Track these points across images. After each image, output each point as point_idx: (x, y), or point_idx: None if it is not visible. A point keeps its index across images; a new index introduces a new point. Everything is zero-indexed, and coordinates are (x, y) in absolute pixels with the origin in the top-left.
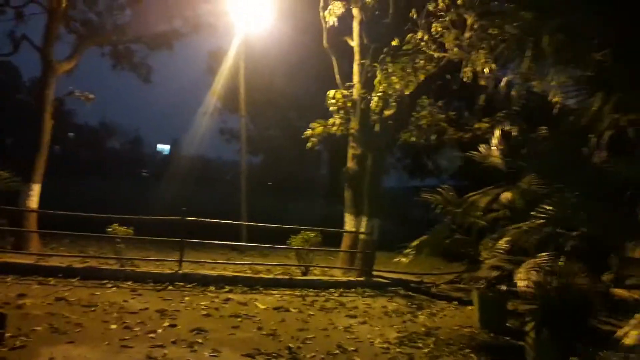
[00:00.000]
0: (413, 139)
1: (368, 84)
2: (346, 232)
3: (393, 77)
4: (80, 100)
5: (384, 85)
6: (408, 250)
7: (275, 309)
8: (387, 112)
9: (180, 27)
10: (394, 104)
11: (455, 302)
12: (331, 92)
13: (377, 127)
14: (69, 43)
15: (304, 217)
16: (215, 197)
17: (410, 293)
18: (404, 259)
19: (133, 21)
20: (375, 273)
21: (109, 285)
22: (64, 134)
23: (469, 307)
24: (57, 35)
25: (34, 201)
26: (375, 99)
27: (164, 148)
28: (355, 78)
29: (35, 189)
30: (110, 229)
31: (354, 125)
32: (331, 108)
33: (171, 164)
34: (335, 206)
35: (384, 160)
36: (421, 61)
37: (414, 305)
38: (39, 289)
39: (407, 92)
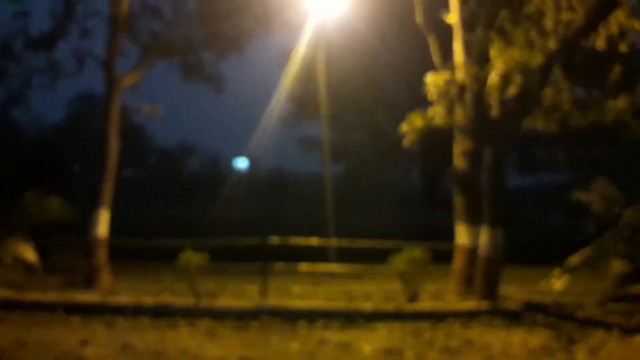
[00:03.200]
0: (540, 125)
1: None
2: (460, 247)
3: (514, 48)
4: (149, 117)
5: (505, 56)
6: (565, 268)
7: (385, 351)
8: (509, 91)
9: (250, 27)
10: (516, 82)
11: (617, 330)
12: (431, 77)
13: (494, 113)
14: (134, 59)
15: (398, 229)
16: (296, 214)
17: (551, 320)
18: (557, 283)
19: (200, 27)
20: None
21: (182, 325)
22: (145, 159)
23: (638, 337)
24: (120, 46)
25: (104, 228)
26: (495, 75)
27: (242, 165)
28: (458, 58)
29: (104, 216)
30: (184, 258)
31: (459, 114)
32: (431, 96)
33: (249, 180)
34: (432, 214)
35: (505, 154)
36: (549, 25)
37: (563, 338)
38: (105, 332)
39: (534, 64)
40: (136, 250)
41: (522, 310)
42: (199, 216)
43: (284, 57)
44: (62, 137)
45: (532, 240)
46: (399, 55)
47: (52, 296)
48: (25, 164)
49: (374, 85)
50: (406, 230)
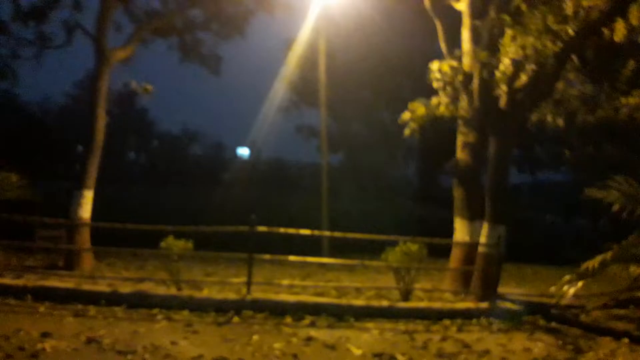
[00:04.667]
0: (550, 119)
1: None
2: (458, 243)
3: (529, 34)
4: (139, 94)
5: (518, 42)
6: (580, 273)
7: (376, 356)
8: (520, 81)
9: (251, 7)
10: (529, 70)
11: (626, 340)
12: (436, 64)
13: (502, 104)
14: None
15: (394, 222)
16: (292, 203)
17: (554, 324)
18: (571, 289)
19: (198, 3)
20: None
21: (159, 317)
22: (147, 143)
23: None
24: (111, 18)
25: (86, 210)
26: (506, 62)
27: (243, 153)
28: (466, 46)
29: (88, 196)
30: (164, 244)
31: (464, 104)
32: (435, 84)
33: (249, 168)
34: (429, 209)
35: (511, 148)
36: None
37: (568, 346)
38: (72, 323)
39: (549, 51)
40: (123, 235)
41: (522, 312)
42: (196, 202)
43: (286, 43)
44: (67, 118)
45: (531, 239)
46: (402, 45)
47: (21, 280)
48: (18, 142)
49: (375, 74)
50: (400, 223)
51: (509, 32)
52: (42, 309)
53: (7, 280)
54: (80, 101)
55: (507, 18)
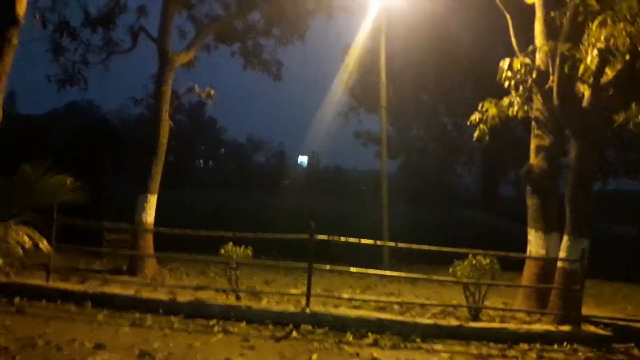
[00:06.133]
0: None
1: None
2: (533, 257)
3: (620, 20)
4: (202, 99)
5: (608, 30)
6: None
7: None
8: (607, 76)
9: (311, 10)
10: (618, 63)
11: None
12: (506, 62)
13: (585, 103)
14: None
15: (454, 232)
16: (350, 210)
17: None
18: None
19: (260, 6)
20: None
21: (216, 329)
22: (216, 150)
23: None
24: (172, 21)
25: (149, 214)
26: (594, 53)
27: (303, 161)
28: (539, 40)
29: (152, 201)
30: (223, 251)
31: (538, 104)
32: (507, 83)
33: (309, 176)
34: (491, 219)
35: (596, 152)
36: None
37: None
38: (128, 334)
39: None
40: (188, 239)
41: (611, 338)
42: (259, 207)
43: (344, 47)
44: (143, 126)
45: (607, 253)
46: (466, 45)
47: (83, 286)
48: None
49: (436, 77)
50: (461, 233)
51: (597, 18)
52: (100, 316)
53: (69, 285)
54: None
55: (593, 2)
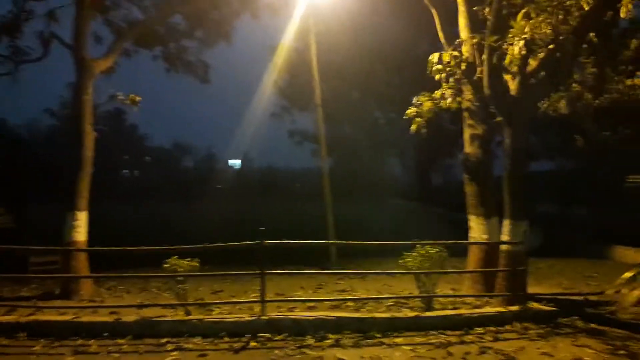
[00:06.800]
0: (562, 107)
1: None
2: (477, 243)
3: (543, 12)
4: (126, 105)
5: (532, 22)
6: None
7: None
8: (531, 65)
9: (235, 11)
10: (542, 52)
11: None
12: (435, 55)
13: (514, 91)
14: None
15: (392, 225)
16: (288, 210)
17: (594, 326)
18: (634, 290)
19: (181, 7)
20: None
21: (169, 348)
22: (140, 159)
23: None
24: (88, 26)
25: (80, 232)
26: (520, 44)
27: (235, 163)
28: (464, 34)
29: (81, 218)
30: (167, 265)
31: (469, 95)
32: (437, 76)
33: (242, 178)
34: (425, 208)
35: (526, 137)
36: None
37: (620, 351)
38: None
39: (567, 29)
40: (123, 255)
41: (556, 313)
42: (192, 215)
43: (272, 48)
44: (56, 139)
45: (536, 230)
46: (393, 41)
47: (13, 316)
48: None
49: (366, 74)
50: (398, 225)
51: (521, 11)
52: (37, 347)
53: None
54: (67, 120)
55: None
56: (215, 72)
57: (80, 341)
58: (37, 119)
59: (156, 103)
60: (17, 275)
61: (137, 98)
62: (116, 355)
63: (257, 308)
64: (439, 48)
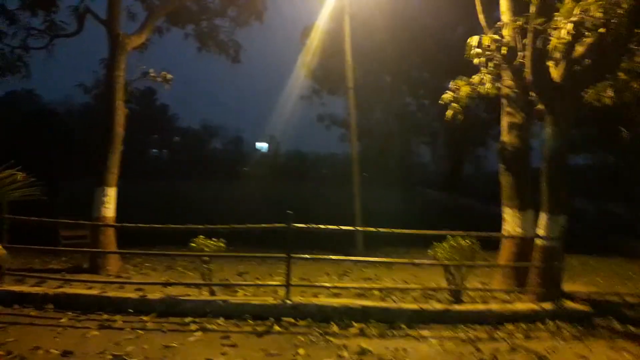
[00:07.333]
0: (608, 98)
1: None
2: (510, 236)
3: None
4: (158, 82)
5: (583, 3)
6: None
7: None
8: (577, 50)
9: None
10: (591, 37)
11: None
12: (474, 39)
13: (558, 78)
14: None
15: (421, 212)
16: (315, 195)
17: (632, 329)
18: None
19: None
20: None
21: (193, 327)
22: (169, 138)
23: None
24: (120, 2)
25: (109, 208)
26: (568, 27)
27: (262, 146)
28: (507, 16)
29: (111, 194)
30: (194, 245)
31: (509, 81)
32: (476, 60)
33: (269, 161)
34: (454, 198)
35: (569, 128)
36: None
37: None
38: (97, 337)
39: (617, 15)
40: (151, 233)
41: (592, 314)
42: (219, 195)
43: (305, 29)
44: (90, 116)
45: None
46: (426, 28)
47: (42, 288)
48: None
49: (398, 60)
50: (428, 213)
51: None
52: (64, 320)
53: (27, 288)
54: (100, 97)
55: None
56: (246, 53)
57: (105, 316)
58: (71, 95)
59: (186, 84)
60: (48, 248)
61: (169, 76)
62: (140, 332)
63: (281, 291)
64: (475, 33)
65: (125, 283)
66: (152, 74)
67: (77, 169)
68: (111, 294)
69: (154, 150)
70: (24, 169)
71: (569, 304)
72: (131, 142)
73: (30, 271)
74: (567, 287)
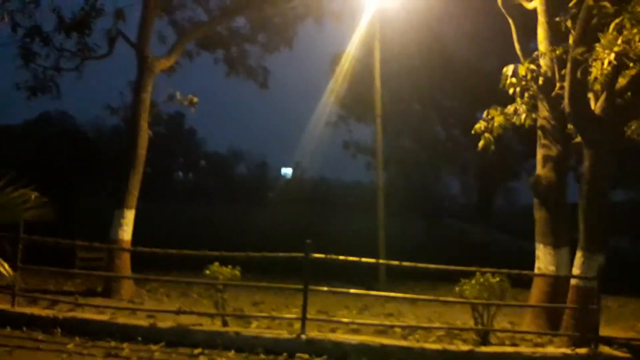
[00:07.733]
0: None
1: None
2: (542, 275)
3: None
4: (185, 106)
5: (625, 34)
6: None
7: None
8: (621, 80)
9: (299, 15)
10: (632, 70)
11: None
12: (510, 68)
13: (598, 110)
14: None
15: (448, 247)
16: (339, 225)
17: None
18: None
19: (244, 11)
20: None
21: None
22: (196, 162)
23: None
24: (152, 25)
25: (126, 231)
26: (610, 57)
27: (287, 172)
28: (544, 46)
29: (129, 216)
30: (208, 272)
31: (545, 112)
32: (511, 90)
33: (293, 187)
34: (486, 231)
35: (609, 162)
36: None
37: None
38: None
39: None
40: (166, 259)
41: None
42: (242, 222)
43: (335, 55)
44: (120, 137)
45: (608, 265)
46: (458, 57)
47: (52, 311)
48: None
49: (428, 88)
50: (455, 248)
51: (615, 21)
52: (70, 346)
53: (37, 310)
54: (127, 119)
55: (608, 5)
56: (275, 79)
57: (113, 343)
58: (101, 117)
59: (214, 107)
60: (62, 270)
61: (195, 99)
62: None
63: (297, 325)
64: (507, 63)
65: (137, 309)
66: (178, 97)
67: (102, 189)
68: (121, 320)
69: (179, 173)
70: (43, 189)
71: (606, 350)
72: (157, 164)
73: (43, 292)
74: (604, 331)
